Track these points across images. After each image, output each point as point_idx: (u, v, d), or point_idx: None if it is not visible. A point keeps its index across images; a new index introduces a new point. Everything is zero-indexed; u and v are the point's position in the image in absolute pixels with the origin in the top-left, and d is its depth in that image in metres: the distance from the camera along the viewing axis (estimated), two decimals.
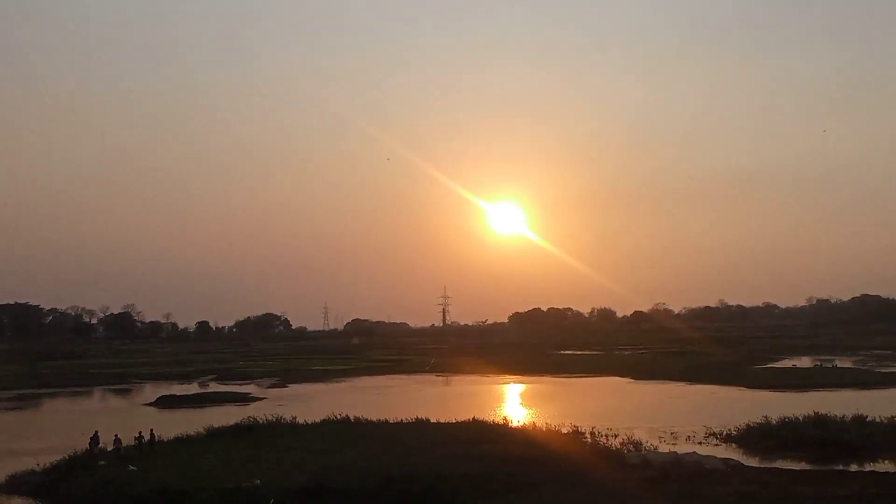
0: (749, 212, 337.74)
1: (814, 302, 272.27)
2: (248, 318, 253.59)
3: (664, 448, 32.50)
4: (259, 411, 45.05)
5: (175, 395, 64.93)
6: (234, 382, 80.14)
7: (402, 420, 40.31)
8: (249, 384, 77.69)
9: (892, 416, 36.22)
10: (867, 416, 36.07)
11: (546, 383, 73.92)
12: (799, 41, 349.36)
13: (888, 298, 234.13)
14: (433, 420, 40.44)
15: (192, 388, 74.31)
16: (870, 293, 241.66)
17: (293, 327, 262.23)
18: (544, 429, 37.12)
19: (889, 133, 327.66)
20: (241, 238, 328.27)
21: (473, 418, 40.54)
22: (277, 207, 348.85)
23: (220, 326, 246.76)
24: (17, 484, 29.25)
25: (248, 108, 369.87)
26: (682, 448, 32.31)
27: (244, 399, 62.60)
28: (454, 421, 39.85)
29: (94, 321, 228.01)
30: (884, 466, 28.56)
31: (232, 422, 40.07)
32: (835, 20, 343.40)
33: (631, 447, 32.16)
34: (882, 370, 73.23)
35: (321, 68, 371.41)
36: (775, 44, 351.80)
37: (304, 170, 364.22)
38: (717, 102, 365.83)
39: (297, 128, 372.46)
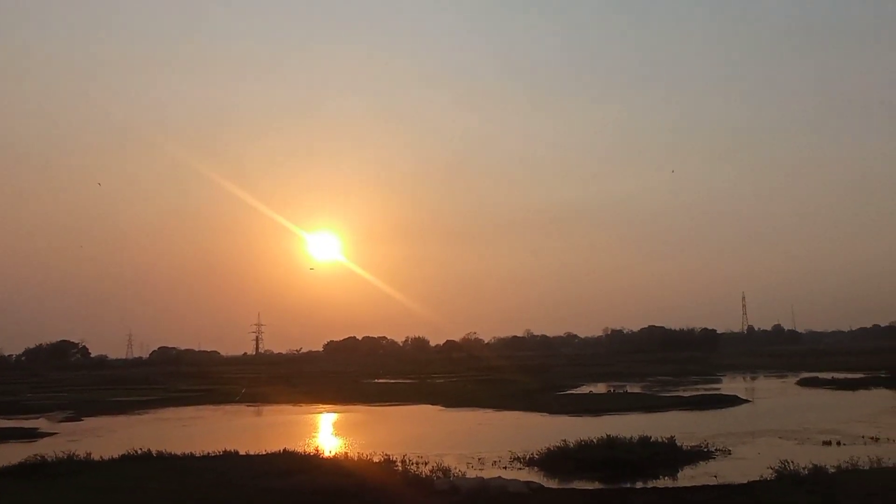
0: (555, 247, 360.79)
1: (609, 332, 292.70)
2: (40, 345, 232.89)
3: (472, 473, 33.47)
4: (48, 448, 41.41)
5: None
6: (19, 417, 73.33)
7: (208, 453, 38.62)
8: (38, 418, 71.50)
9: (671, 436, 39.60)
10: (650, 437, 38.99)
11: (359, 412, 73.78)
12: (609, 90, 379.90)
13: (670, 329, 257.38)
14: (242, 452, 39.07)
15: None
16: (655, 324, 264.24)
17: (92, 356, 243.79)
18: (356, 458, 36.95)
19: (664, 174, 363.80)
20: (32, 256, 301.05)
21: (285, 449, 39.62)
22: (75, 225, 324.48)
23: (6, 355, 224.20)
24: None
25: (43, 114, 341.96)
26: (489, 473, 33.40)
27: (31, 435, 57.34)
28: (265, 452, 38.82)
29: None
30: (664, 482, 31.16)
31: (15, 461, 36.65)
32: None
33: (440, 474, 32.78)
34: (664, 394, 79.70)
35: (131, 81, 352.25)
36: (595, 91, 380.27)
37: (107, 189, 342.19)
38: (536, 141, 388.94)
39: (96, 139, 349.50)
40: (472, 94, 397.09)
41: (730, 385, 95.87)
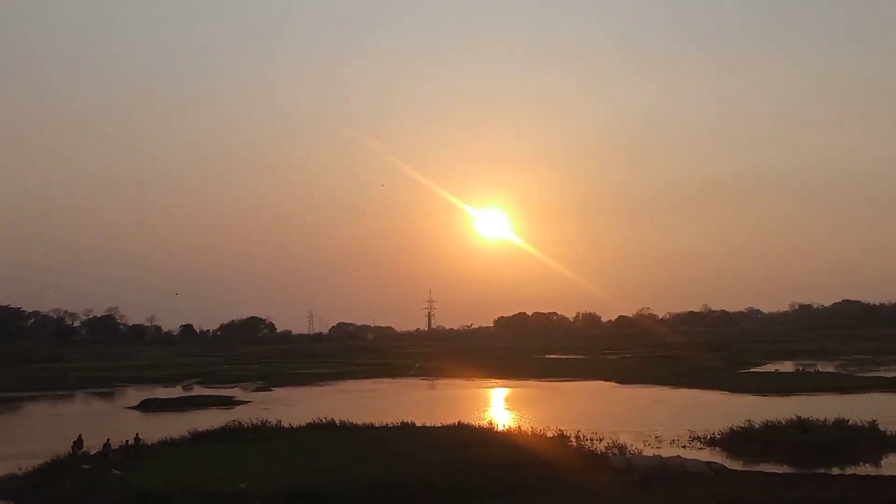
0: (734, 218, 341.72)
1: (796, 307, 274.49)
2: (233, 321, 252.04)
3: (648, 452, 32.66)
4: (244, 415, 44.94)
5: (159, 399, 64.39)
6: (218, 386, 79.64)
7: (387, 424, 40.22)
8: (234, 388, 77.32)
9: (873, 420, 36.50)
10: (848, 420, 36.36)
11: (531, 387, 73.92)
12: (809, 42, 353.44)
13: (869, 304, 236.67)
14: (419, 424, 40.41)
15: (176, 392, 73.79)
16: (851, 298, 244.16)
17: (278, 331, 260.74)
18: (530, 433, 37.17)
19: (868, 138, 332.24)
20: (226, 241, 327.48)
21: (459, 422, 40.56)
22: (263, 211, 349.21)
23: (204, 330, 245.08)
24: None
25: (235, 112, 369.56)
26: (667, 452, 32.46)
27: (228, 403, 62.18)
28: (440, 425, 39.89)
29: (76, 324, 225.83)
30: (864, 469, 28.79)
31: (216, 426, 39.84)
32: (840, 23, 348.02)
33: (615, 451, 32.27)
34: (863, 375, 73.80)
35: (314, 76, 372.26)
36: (782, 47, 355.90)
37: (290, 174, 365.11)
38: (718, 106, 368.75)
39: (284, 133, 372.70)
40: (651, 60, 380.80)
41: None
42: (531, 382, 79.13)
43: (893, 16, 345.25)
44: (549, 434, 36.90)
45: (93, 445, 33.19)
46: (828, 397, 55.13)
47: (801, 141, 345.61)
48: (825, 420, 36.21)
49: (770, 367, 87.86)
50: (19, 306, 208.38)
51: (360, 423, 40.74)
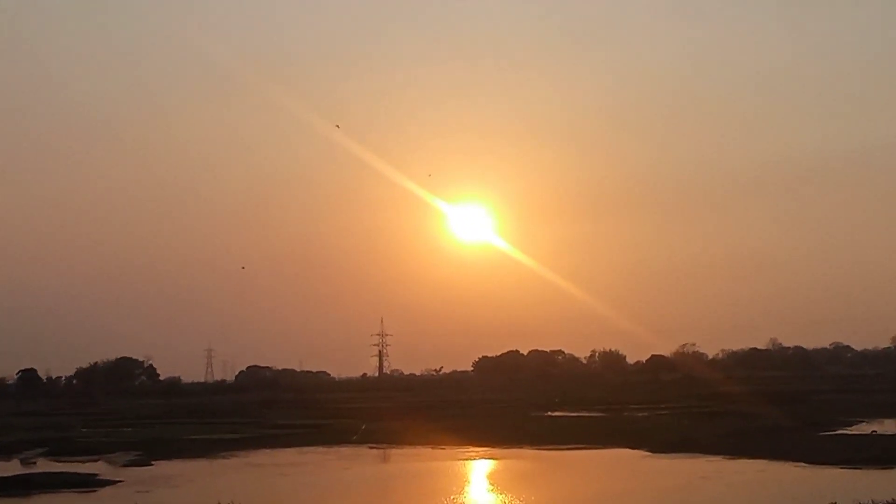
0: (814, 216, 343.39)
1: None
2: (96, 364, 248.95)
3: None
4: (112, 501, 45.81)
5: None
6: (73, 459, 78.24)
7: None
8: (97, 461, 76.13)
9: None
10: None
11: (526, 459, 73.84)
12: None
13: None
14: None
15: (12, 468, 72.27)
16: None
17: (161, 378, 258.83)
18: None
19: None
20: (77, 246, 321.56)
21: None
22: (134, 200, 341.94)
23: (53, 377, 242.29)
24: None
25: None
26: None
27: (89, 483, 60.88)
28: None
29: None
30: None
31: None
32: None
33: None
34: None
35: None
36: None
37: (176, 143, 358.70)
38: (781, 61, 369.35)
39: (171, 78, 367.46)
40: None
41: None
42: (526, 451, 78.57)
43: None
44: None
45: None
46: None
47: None
48: None
49: (865, 428, 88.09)
50: None
51: None
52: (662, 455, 71.68)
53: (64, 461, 76.48)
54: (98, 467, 71.25)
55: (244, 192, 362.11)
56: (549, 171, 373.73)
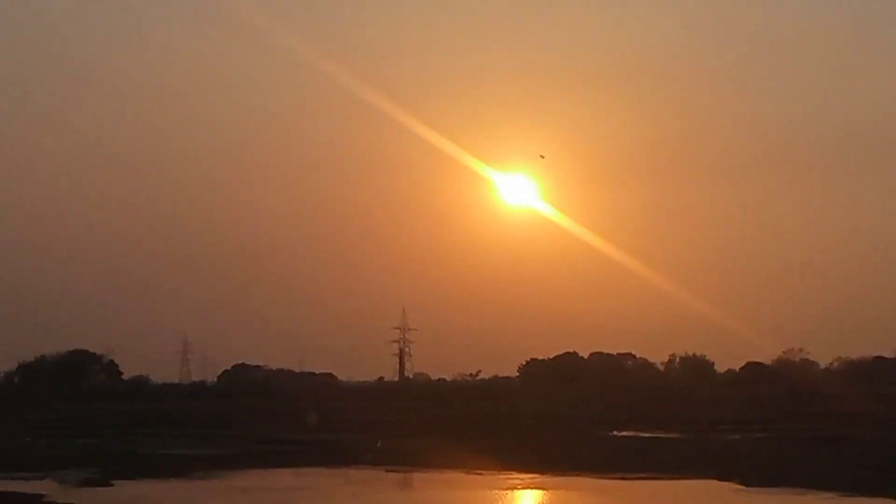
0: None
1: None
2: (42, 357, 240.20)
3: None
4: None
5: None
6: (14, 476, 68.91)
7: None
8: (43, 479, 68.13)
9: None
10: None
11: (586, 489, 66.01)
12: None
13: None
14: None
15: None
16: None
17: (124, 377, 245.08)
18: None
19: None
20: (23, 215, 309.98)
21: None
22: (95, 158, 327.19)
23: None
24: None
25: None
26: None
27: None
28: None
29: None
30: None
31: None
32: None
33: None
34: None
35: None
36: None
37: (154, 90, 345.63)
38: None
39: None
40: None
41: None
42: (585, 480, 70.04)
43: None
44: None
45: None
46: None
47: None
48: None
49: None
50: None
51: None
52: (760, 489, 63.56)
53: (1, 479, 67.33)
54: (45, 486, 63.98)
55: (234, 153, 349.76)
56: (618, 126, 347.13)
